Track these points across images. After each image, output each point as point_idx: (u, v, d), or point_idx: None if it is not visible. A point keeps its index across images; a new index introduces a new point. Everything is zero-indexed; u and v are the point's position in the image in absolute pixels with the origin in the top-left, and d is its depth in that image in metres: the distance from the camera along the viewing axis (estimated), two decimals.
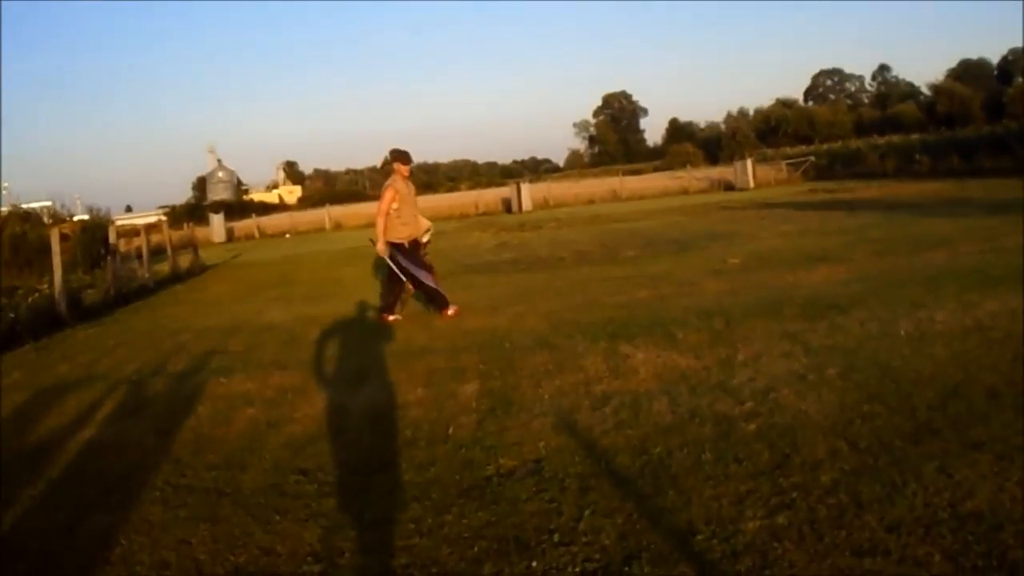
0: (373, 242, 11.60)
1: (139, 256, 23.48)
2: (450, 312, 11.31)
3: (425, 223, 12.14)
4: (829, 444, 5.01)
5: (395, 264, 11.38)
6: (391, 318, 11.37)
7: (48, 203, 35.72)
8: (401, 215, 11.37)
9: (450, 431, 6.14)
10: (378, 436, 6.26)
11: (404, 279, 11.41)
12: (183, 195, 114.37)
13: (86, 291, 18.47)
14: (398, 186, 11.40)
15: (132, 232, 27.98)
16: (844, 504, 4.20)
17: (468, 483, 5.08)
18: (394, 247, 11.36)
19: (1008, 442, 4.73)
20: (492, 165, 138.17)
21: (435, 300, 11.57)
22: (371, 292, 14.75)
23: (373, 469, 5.51)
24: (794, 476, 4.61)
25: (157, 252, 25.98)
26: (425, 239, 12.14)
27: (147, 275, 22.10)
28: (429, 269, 11.60)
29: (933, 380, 6.09)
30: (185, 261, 27.13)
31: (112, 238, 22.72)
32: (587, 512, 4.45)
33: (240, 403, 7.62)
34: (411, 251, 11.50)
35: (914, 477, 4.41)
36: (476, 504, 4.74)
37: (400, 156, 11.61)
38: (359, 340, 10.47)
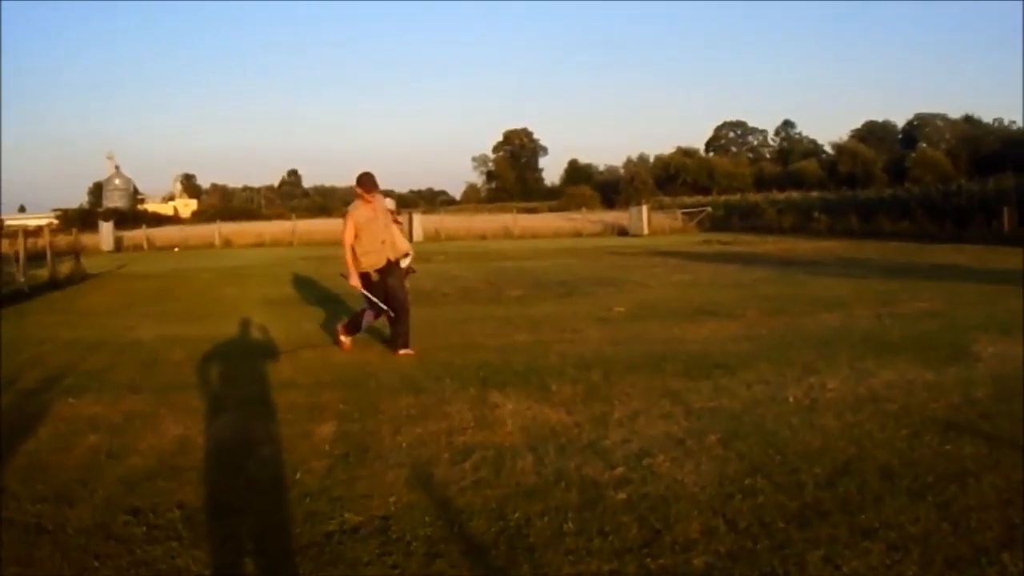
0: (344, 276, 11.04)
1: (24, 259, 23.27)
2: (403, 353, 10.59)
3: (403, 247, 11.44)
4: (705, 521, 4.69)
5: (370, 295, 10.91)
6: (344, 338, 11.12)
7: None
8: (361, 243, 10.72)
9: (298, 476, 5.82)
10: (221, 476, 5.91)
11: (383, 309, 10.89)
12: (80, 199, 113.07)
13: None
14: (357, 213, 10.75)
15: (13, 234, 27.57)
16: None
17: (308, 538, 4.73)
18: (361, 276, 10.81)
19: (902, 530, 4.48)
20: (388, 193, 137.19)
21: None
22: (248, 314, 14.90)
23: (210, 514, 5.14)
24: (663, 557, 4.27)
25: (40, 256, 26.14)
26: (404, 264, 11.45)
27: (23, 279, 21.89)
28: (386, 307, 10.86)
29: (822, 454, 5.85)
30: (66, 268, 26.87)
31: None
32: None
33: (85, 427, 7.28)
34: (375, 284, 10.81)
35: (797, 566, 4.11)
36: (313, 564, 4.41)
37: (361, 180, 10.80)
38: (221, 367, 10.12)
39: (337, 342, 11.17)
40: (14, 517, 5.16)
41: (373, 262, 10.77)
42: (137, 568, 4.40)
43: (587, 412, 7.21)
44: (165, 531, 4.88)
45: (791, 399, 7.48)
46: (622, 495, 5.17)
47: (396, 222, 11.59)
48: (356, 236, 10.70)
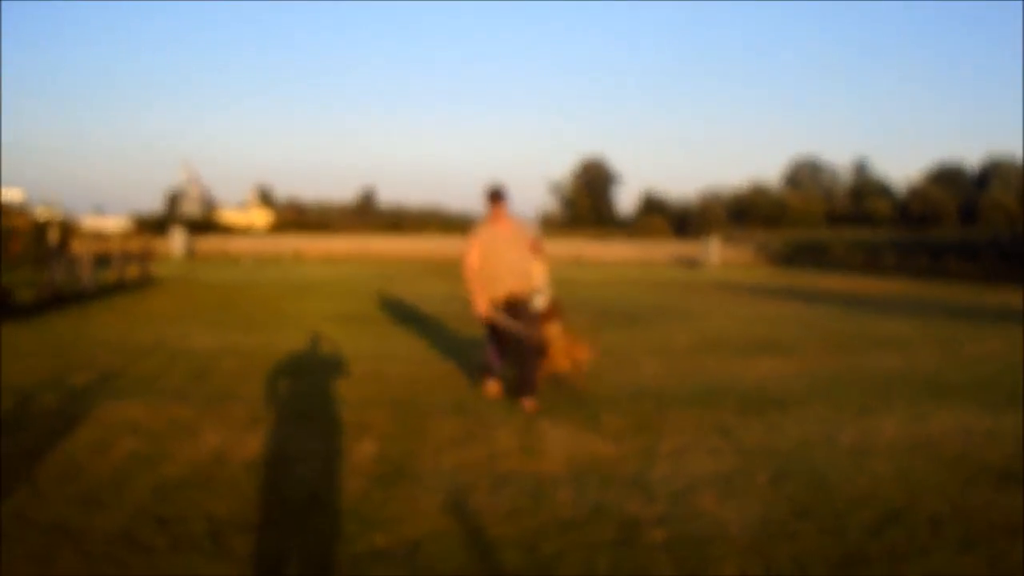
0: (473, 305, 9.24)
1: (92, 260, 23.38)
2: (526, 405, 8.50)
3: (534, 280, 9.41)
4: (742, 565, 4.46)
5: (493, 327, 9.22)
6: (489, 386, 9.33)
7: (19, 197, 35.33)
8: (483, 269, 9.01)
9: (331, 495, 5.68)
10: (254, 490, 5.78)
11: (505, 347, 9.23)
12: (155, 202, 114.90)
13: (22, 289, 18.08)
14: (482, 234, 9.14)
15: (81, 234, 27.92)
16: None
17: (332, 559, 4.60)
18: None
19: None
20: (463, 215, 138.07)
21: (520, 383, 8.89)
22: (307, 328, 14.86)
23: (237, 528, 5.01)
24: None
25: (109, 258, 26.35)
26: (538, 303, 9.44)
27: (88, 280, 21.96)
28: (524, 342, 8.94)
29: (871, 499, 5.57)
30: (134, 272, 27.01)
31: (53, 238, 22.20)
32: None
33: (125, 432, 7.20)
34: (497, 320, 9.08)
35: None
36: None
37: (490, 194, 9.26)
38: (271, 380, 9.99)
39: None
40: (39, 518, 5.10)
41: (493, 293, 9.02)
42: None
43: (635, 444, 6.99)
44: (189, 542, 4.79)
45: (844, 440, 7.18)
46: (660, 533, 4.95)
47: (537, 251, 9.61)
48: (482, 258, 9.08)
